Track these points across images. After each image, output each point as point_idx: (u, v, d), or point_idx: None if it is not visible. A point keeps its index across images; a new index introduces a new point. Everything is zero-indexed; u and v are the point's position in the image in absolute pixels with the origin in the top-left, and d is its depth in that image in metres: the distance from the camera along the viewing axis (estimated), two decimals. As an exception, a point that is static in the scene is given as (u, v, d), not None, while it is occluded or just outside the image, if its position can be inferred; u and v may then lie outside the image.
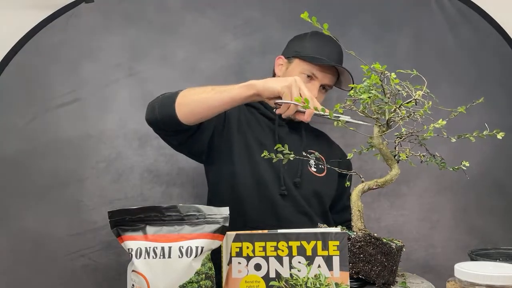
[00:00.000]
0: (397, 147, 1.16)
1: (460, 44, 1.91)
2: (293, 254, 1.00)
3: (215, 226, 0.97)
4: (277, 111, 1.27)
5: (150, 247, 0.95)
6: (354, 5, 1.90)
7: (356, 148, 1.22)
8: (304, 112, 1.23)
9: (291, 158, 1.21)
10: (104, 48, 1.78)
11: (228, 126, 1.51)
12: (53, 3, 1.73)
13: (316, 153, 1.41)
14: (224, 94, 1.26)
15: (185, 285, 0.92)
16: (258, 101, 1.50)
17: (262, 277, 1.00)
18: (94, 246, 1.72)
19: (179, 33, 1.83)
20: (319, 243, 1.00)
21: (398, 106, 1.09)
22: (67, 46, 1.75)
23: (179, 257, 0.94)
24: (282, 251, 1.00)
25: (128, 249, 0.96)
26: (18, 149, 1.70)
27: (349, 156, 1.21)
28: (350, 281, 1.06)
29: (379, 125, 1.15)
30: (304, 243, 1.00)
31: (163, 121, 1.33)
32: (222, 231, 0.98)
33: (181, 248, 0.94)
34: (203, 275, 0.94)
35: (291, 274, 1.00)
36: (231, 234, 1.02)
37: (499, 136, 1.12)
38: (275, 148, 1.21)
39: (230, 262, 1.01)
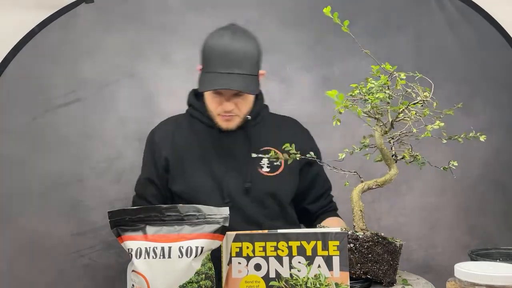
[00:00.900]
0: (393, 147, 1.16)
1: (460, 43, 1.91)
2: (293, 254, 1.00)
3: (215, 226, 0.97)
4: None
5: (150, 247, 0.95)
6: (355, 5, 1.90)
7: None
8: None
9: (298, 158, 1.20)
10: (104, 48, 1.78)
11: (169, 166, 1.50)
12: (53, 3, 1.73)
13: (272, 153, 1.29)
14: None
15: (185, 285, 0.92)
16: (199, 110, 1.50)
17: (262, 277, 1.00)
18: (94, 246, 1.72)
19: (179, 33, 1.82)
20: (319, 243, 1.00)
21: (406, 107, 1.09)
22: (67, 46, 1.75)
23: (179, 257, 0.94)
24: (282, 251, 1.00)
25: (128, 249, 0.96)
26: (18, 149, 1.70)
27: (341, 156, 1.20)
28: (357, 281, 1.06)
29: (381, 125, 1.15)
30: (304, 243, 1.00)
31: None
32: (222, 231, 0.98)
33: (181, 248, 0.94)
34: (203, 275, 0.94)
35: (291, 274, 1.00)
36: (231, 234, 1.02)
37: (482, 138, 1.15)
38: (283, 147, 1.20)
39: (230, 262, 1.01)
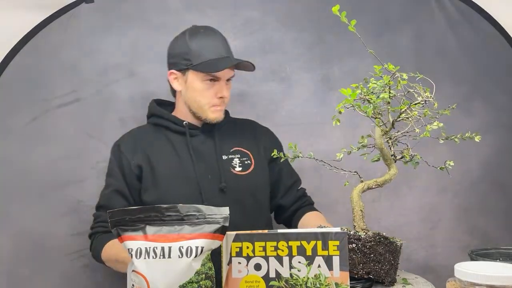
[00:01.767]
0: (392, 147, 1.17)
1: (460, 43, 1.91)
2: (293, 254, 1.00)
3: (215, 226, 0.97)
4: None
5: (150, 247, 0.95)
6: (355, 4, 1.90)
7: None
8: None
9: (291, 159, 1.22)
10: (104, 48, 1.78)
11: (142, 174, 1.50)
12: (53, 3, 1.73)
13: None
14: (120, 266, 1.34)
15: (185, 285, 0.92)
16: (166, 118, 1.55)
17: (262, 277, 1.00)
18: (94, 246, 1.72)
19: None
20: (319, 243, 1.00)
21: (408, 106, 1.09)
22: (67, 46, 1.75)
23: (179, 257, 0.94)
24: (282, 251, 1.00)
25: (128, 249, 0.96)
26: (18, 149, 1.70)
27: (339, 156, 1.21)
28: (359, 281, 1.06)
29: (381, 125, 1.16)
30: (304, 243, 1.00)
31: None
32: (222, 231, 0.98)
33: (181, 248, 0.94)
34: (203, 275, 0.94)
35: (291, 274, 1.00)
36: (231, 234, 1.02)
37: (477, 139, 1.16)
38: (272, 154, 1.27)
39: (230, 262, 1.01)
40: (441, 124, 1.09)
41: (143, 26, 1.81)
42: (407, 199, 1.90)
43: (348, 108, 1.13)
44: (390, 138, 1.15)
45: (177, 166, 1.49)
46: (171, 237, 0.96)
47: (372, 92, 1.10)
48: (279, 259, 1.00)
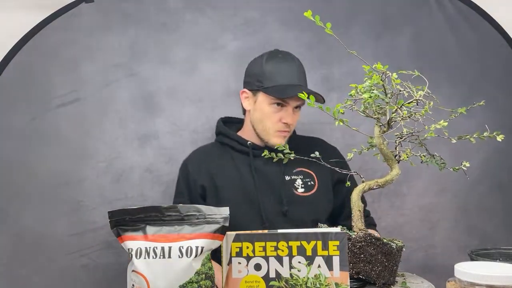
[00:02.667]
0: (397, 147, 1.16)
1: (460, 44, 1.91)
2: (293, 254, 1.00)
3: (215, 226, 0.97)
4: None
5: (150, 247, 0.95)
6: (355, 4, 1.90)
7: (357, 148, 1.23)
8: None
9: (292, 158, 1.22)
10: (104, 48, 1.78)
11: (206, 193, 1.53)
12: (53, 3, 1.73)
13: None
14: None
15: (185, 285, 0.92)
16: (231, 138, 1.57)
17: (262, 277, 1.00)
18: (94, 246, 1.72)
19: (179, 33, 1.82)
20: (319, 243, 1.00)
21: (399, 106, 1.09)
22: (67, 46, 1.75)
23: (179, 257, 0.94)
24: (282, 251, 1.00)
25: (128, 249, 0.96)
26: (18, 149, 1.70)
27: (349, 156, 1.21)
28: (350, 281, 1.06)
29: (380, 125, 1.16)
30: (304, 243, 1.00)
31: None
32: (222, 231, 0.98)
33: (181, 248, 0.94)
34: (203, 275, 0.94)
35: (291, 274, 1.00)
36: (231, 234, 1.02)
37: (499, 138, 1.13)
38: (275, 147, 1.23)
39: (230, 262, 1.01)
40: (446, 123, 1.09)
41: (143, 26, 1.81)
42: (406, 199, 1.90)
43: (347, 108, 1.14)
44: (400, 138, 1.15)
45: (239, 188, 1.51)
46: (171, 237, 0.96)
47: (362, 92, 1.10)
48: (279, 259, 1.00)
